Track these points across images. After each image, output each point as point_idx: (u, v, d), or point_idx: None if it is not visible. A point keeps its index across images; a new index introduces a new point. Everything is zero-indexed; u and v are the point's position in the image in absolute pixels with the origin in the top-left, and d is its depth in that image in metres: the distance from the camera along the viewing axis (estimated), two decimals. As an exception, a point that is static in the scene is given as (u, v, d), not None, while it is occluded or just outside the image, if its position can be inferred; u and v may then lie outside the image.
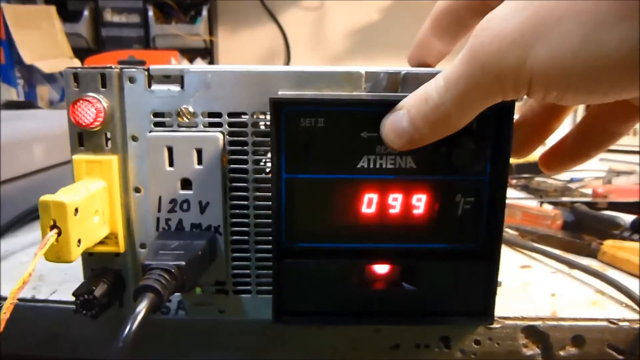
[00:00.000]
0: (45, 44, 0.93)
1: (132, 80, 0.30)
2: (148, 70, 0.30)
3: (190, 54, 1.27)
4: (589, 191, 0.63)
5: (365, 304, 0.30)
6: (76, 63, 0.98)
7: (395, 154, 0.28)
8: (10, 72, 0.87)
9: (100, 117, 0.29)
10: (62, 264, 0.27)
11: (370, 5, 1.41)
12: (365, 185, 0.28)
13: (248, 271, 0.32)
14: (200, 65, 0.31)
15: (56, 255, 0.26)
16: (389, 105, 0.27)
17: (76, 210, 0.27)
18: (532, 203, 0.56)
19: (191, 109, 0.30)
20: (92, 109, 0.29)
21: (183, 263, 0.26)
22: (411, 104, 0.24)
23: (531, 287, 0.37)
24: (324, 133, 0.27)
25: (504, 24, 0.20)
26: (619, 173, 0.73)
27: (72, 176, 0.30)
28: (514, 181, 0.70)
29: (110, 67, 0.30)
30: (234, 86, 0.29)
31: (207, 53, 1.30)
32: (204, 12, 1.27)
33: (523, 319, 0.33)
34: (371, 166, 0.28)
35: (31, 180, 0.54)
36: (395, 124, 0.25)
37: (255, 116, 0.29)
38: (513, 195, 0.64)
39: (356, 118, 0.27)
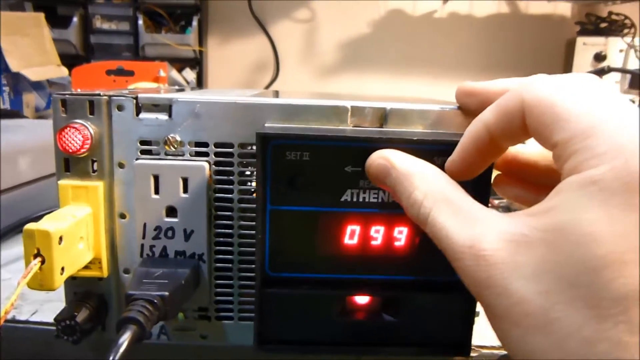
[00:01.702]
0: (32, 52, 0.92)
1: (120, 108, 0.30)
2: (137, 98, 0.30)
3: (179, 63, 1.27)
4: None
5: (346, 334, 0.30)
6: (64, 71, 0.98)
7: (379, 188, 0.28)
8: (-4, 80, 0.87)
9: (87, 143, 0.29)
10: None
11: (360, 19, 1.43)
12: (348, 218, 0.29)
13: (231, 298, 0.32)
14: (188, 94, 0.31)
15: (39, 283, 0.26)
16: (373, 142, 0.27)
17: (60, 238, 0.27)
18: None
19: (178, 138, 0.30)
20: (79, 136, 0.29)
21: (166, 293, 0.27)
22: (398, 167, 0.25)
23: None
24: (309, 166, 0.28)
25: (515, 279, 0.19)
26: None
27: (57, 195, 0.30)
28: (496, 202, 0.71)
29: (99, 95, 0.30)
30: (222, 117, 0.30)
31: (197, 63, 1.30)
32: (195, 22, 1.27)
33: (499, 347, 0.34)
34: (354, 199, 0.29)
35: (16, 194, 0.53)
36: (380, 171, 0.25)
37: (241, 147, 0.30)
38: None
39: (341, 152, 0.28)
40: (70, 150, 0.29)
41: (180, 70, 1.27)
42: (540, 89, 0.21)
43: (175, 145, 0.30)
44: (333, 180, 0.28)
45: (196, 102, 0.30)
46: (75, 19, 1.23)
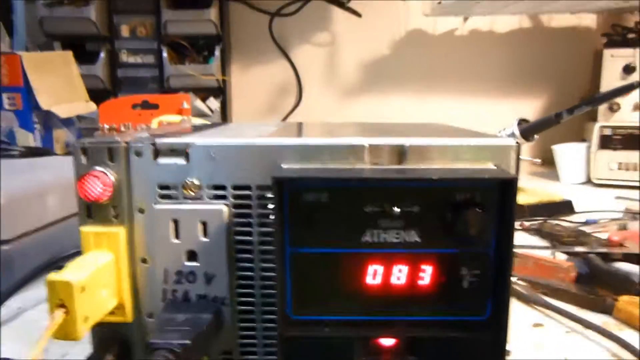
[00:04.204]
0: (62, 89, 0.95)
1: (138, 153, 0.30)
2: (154, 144, 0.30)
3: (203, 93, 1.29)
4: (604, 235, 0.62)
5: (371, 377, 0.30)
6: (92, 106, 1.00)
7: (399, 227, 0.28)
8: (27, 118, 0.89)
9: (109, 191, 0.30)
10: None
11: (380, 40, 1.43)
12: (369, 258, 0.28)
13: (255, 340, 0.32)
14: (205, 136, 0.31)
15: (64, 334, 0.27)
16: (391, 181, 0.27)
17: (83, 288, 0.27)
18: (545, 252, 0.55)
19: (196, 182, 0.30)
20: (100, 184, 0.30)
21: (188, 342, 0.26)
22: None
23: (543, 349, 0.37)
24: (327, 207, 0.28)
25: None
26: (635, 215, 0.71)
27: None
28: (526, 224, 0.69)
29: (118, 142, 0.30)
30: (237, 159, 0.30)
31: (220, 92, 1.32)
32: (217, 52, 1.29)
33: (534, 388, 0.32)
34: (375, 240, 0.28)
35: (45, 233, 0.54)
36: None
37: (259, 189, 0.30)
38: (525, 242, 0.63)
39: (359, 192, 0.28)
40: (92, 198, 0.30)
41: (204, 100, 1.29)
42: None
43: (194, 189, 0.30)
44: (352, 221, 0.28)
45: (212, 146, 0.30)
46: (102, 55, 1.27)
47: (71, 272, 0.27)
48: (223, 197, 0.30)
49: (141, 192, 0.30)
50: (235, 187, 0.30)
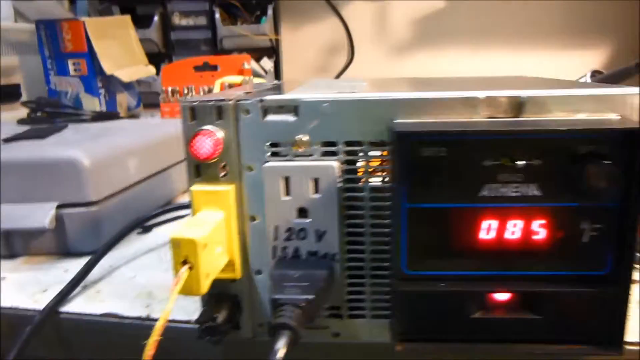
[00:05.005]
0: (122, 53, 0.96)
1: (247, 111, 0.30)
2: (262, 101, 0.30)
3: (256, 53, 1.28)
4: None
5: (485, 332, 0.30)
6: (151, 70, 1.02)
7: (519, 181, 0.27)
8: (93, 83, 0.91)
9: (219, 149, 0.30)
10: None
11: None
12: (487, 213, 0.28)
13: (363, 296, 0.32)
14: (314, 94, 0.31)
15: (188, 289, 0.27)
16: (513, 134, 0.26)
17: (205, 245, 0.28)
18: None
19: (306, 138, 0.30)
20: (210, 142, 0.30)
21: (312, 297, 0.27)
22: None
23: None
24: (445, 162, 0.27)
25: None
26: None
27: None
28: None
29: (226, 100, 0.30)
30: (349, 115, 0.29)
31: (273, 51, 1.31)
32: (269, 11, 1.27)
33: (650, 343, 0.32)
34: (493, 195, 0.27)
35: (127, 194, 0.56)
36: None
37: (370, 145, 0.29)
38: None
39: (478, 146, 0.27)
40: (203, 157, 0.30)
41: (257, 60, 1.28)
42: None
43: (304, 146, 0.30)
44: (470, 175, 0.27)
45: (322, 102, 0.29)
46: (155, 18, 1.27)
47: (193, 230, 0.28)
48: (333, 154, 0.30)
49: (250, 150, 0.30)
50: (347, 143, 0.30)
